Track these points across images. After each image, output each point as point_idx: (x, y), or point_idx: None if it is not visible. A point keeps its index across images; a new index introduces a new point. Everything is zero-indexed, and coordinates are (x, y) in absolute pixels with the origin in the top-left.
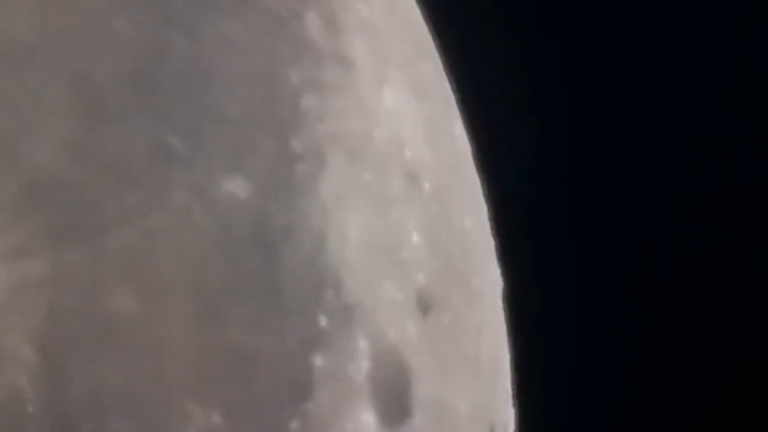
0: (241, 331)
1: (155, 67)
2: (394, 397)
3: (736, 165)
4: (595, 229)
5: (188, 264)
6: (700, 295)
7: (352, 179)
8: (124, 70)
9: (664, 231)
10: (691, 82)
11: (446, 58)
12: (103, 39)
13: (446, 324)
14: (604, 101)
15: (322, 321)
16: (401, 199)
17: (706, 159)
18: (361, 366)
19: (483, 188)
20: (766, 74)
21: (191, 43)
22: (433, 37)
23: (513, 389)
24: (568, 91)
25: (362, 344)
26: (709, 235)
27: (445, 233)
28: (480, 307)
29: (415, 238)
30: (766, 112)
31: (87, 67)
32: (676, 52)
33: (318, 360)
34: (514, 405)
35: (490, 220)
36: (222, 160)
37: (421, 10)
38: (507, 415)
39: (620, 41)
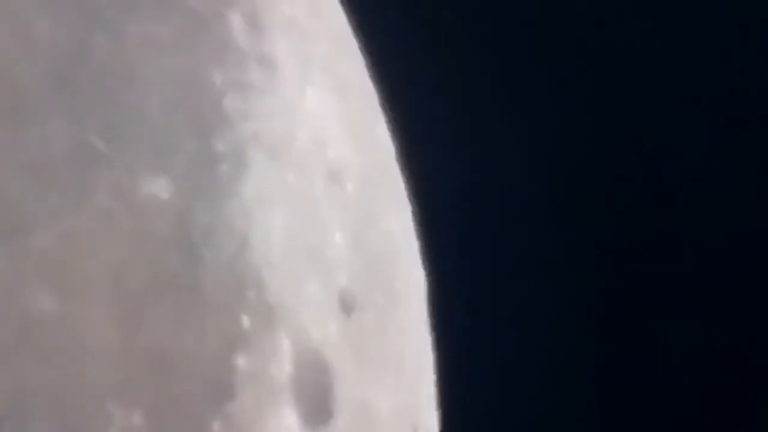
0: (163, 331)
1: (77, 68)
2: (316, 398)
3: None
4: (521, 230)
5: (109, 265)
6: (626, 293)
7: (274, 179)
8: (45, 71)
9: (592, 232)
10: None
11: (369, 58)
12: (24, 39)
13: (369, 325)
14: (529, 97)
15: (245, 321)
16: (324, 200)
17: (636, 159)
18: (283, 367)
19: (407, 188)
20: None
21: (113, 44)
22: (355, 37)
23: (436, 391)
24: (492, 89)
25: (285, 345)
26: (637, 232)
27: (369, 234)
28: (403, 308)
29: (338, 238)
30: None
31: (7, 68)
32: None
33: (240, 360)
34: (438, 407)
35: (414, 220)
36: (144, 161)
37: (344, 10)
38: (430, 417)
39: (546, 38)
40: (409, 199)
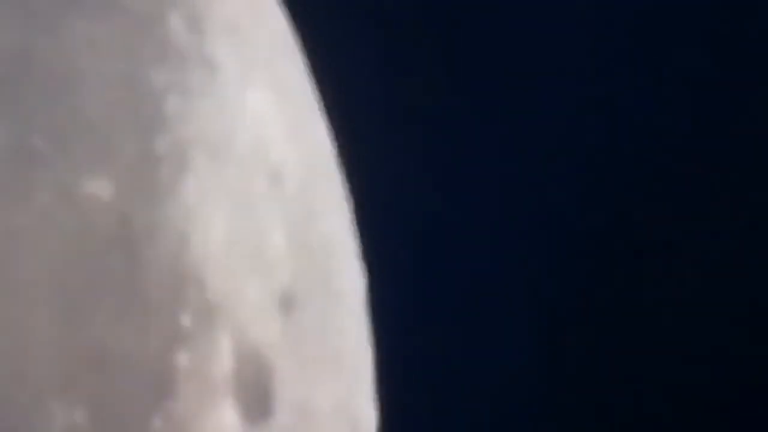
0: (103, 329)
1: (18, 69)
2: (256, 396)
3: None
4: (459, 229)
5: (50, 264)
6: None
7: (215, 180)
8: None
9: (534, 233)
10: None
11: (309, 59)
12: None
13: (309, 323)
14: (470, 99)
15: (185, 320)
16: (264, 200)
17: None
18: (224, 365)
19: (345, 188)
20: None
21: (54, 45)
22: (296, 38)
23: (375, 389)
24: (433, 91)
25: (225, 343)
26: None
27: (308, 233)
28: (342, 306)
29: (278, 238)
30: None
31: None
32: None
33: (181, 358)
34: (376, 405)
35: (353, 220)
36: (85, 161)
37: (285, 11)
38: (369, 415)
39: (487, 42)
40: (348, 198)
